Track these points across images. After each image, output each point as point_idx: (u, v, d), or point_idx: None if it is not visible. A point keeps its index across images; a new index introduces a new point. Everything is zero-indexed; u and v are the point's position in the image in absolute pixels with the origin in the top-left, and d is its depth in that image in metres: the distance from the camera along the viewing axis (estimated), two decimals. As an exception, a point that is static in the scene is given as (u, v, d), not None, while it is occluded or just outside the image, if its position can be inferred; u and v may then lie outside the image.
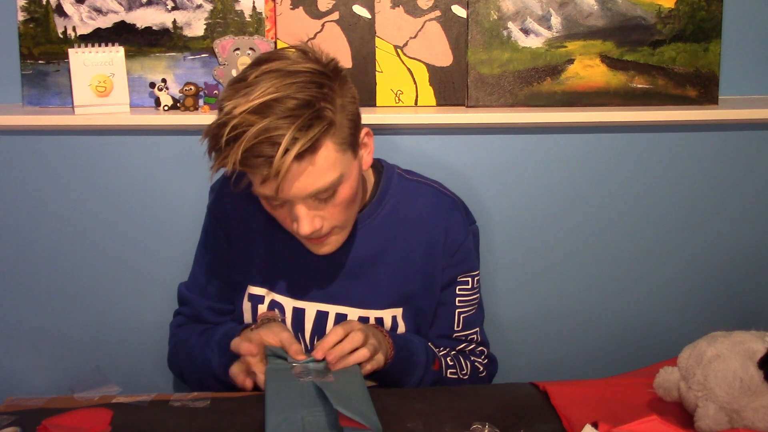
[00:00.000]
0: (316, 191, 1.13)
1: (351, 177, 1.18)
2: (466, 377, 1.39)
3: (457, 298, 1.40)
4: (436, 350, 1.38)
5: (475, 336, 1.43)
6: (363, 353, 1.17)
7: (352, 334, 1.18)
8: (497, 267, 1.70)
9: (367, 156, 1.26)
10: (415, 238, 1.35)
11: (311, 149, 1.09)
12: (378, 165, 1.39)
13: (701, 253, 1.76)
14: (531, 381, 1.24)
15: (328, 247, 1.25)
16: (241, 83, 1.11)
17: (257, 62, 1.14)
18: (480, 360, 1.43)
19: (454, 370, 1.37)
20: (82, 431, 1.07)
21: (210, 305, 1.41)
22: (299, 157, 1.08)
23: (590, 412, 1.09)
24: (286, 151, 1.06)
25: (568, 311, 1.77)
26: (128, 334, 1.72)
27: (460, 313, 1.40)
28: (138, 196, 1.66)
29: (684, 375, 1.07)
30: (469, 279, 1.40)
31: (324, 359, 1.16)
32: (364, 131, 1.23)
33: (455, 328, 1.41)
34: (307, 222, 1.16)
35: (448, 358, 1.38)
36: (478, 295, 1.43)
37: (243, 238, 1.36)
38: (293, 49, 1.17)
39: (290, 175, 1.10)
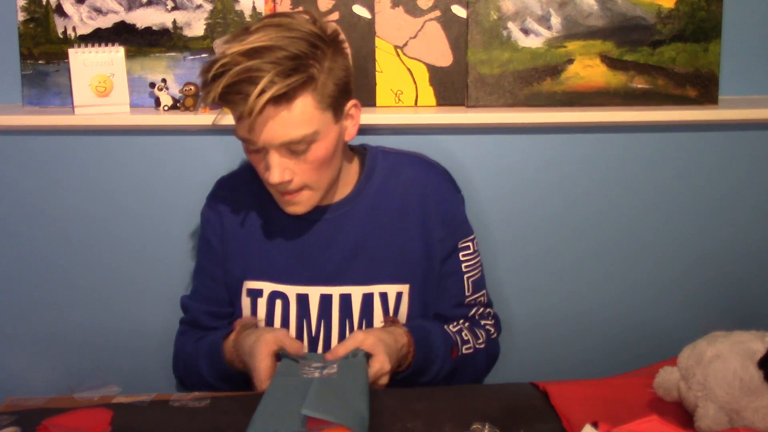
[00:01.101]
0: (289, 141, 1.18)
1: (328, 138, 1.22)
2: (482, 345, 1.41)
3: (462, 264, 1.42)
4: (452, 330, 1.39)
5: (483, 298, 1.47)
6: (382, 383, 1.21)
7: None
8: (496, 267, 1.70)
9: (351, 128, 1.29)
10: (407, 209, 1.38)
11: (287, 96, 1.15)
12: (361, 149, 1.42)
13: (701, 253, 1.76)
14: (531, 381, 1.24)
15: (299, 206, 1.27)
16: (242, 31, 1.20)
17: (264, 17, 1.24)
18: (490, 323, 1.47)
19: (470, 345, 1.39)
20: (82, 431, 1.07)
21: (207, 309, 1.42)
22: (275, 101, 1.14)
23: (590, 412, 1.09)
24: (263, 91, 1.12)
25: (567, 311, 1.77)
26: (128, 334, 1.72)
27: (468, 278, 1.43)
28: (138, 196, 1.66)
29: (684, 375, 1.07)
30: (470, 243, 1.43)
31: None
32: (351, 102, 1.27)
33: (467, 294, 1.43)
34: (277, 171, 1.20)
35: (463, 333, 1.39)
36: (479, 257, 1.46)
37: (238, 235, 1.38)
38: (303, 14, 1.23)
39: (263, 117, 1.15)
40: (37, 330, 1.71)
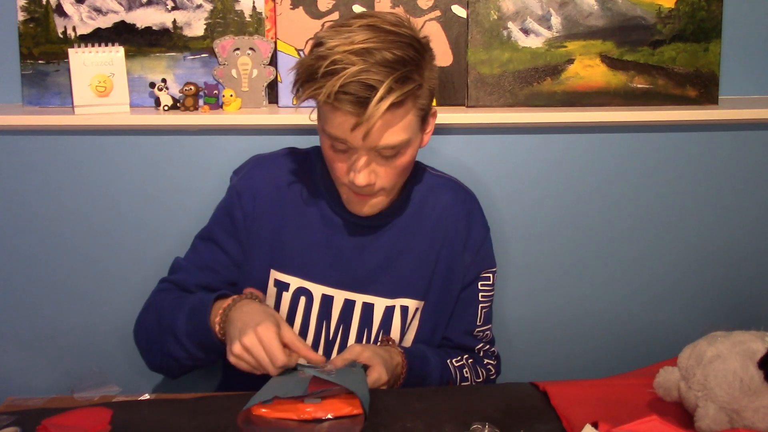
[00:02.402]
0: (386, 146, 1.18)
1: (413, 146, 1.24)
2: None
3: (480, 294, 1.43)
4: (455, 365, 1.39)
5: (489, 332, 1.47)
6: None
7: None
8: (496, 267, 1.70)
9: (426, 135, 1.29)
10: (439, 231, 1.38)
11: (398, 104, 1.15)
12: None
13: (701, 252, 1.76)
14: (531, 381, 1.24)
15: (370, 208, 1.28)
16: (343, 27, 1.16)
17: (361, 15, 1.21)
18: (492, 362, 1.46)
19: (468, 383, 1.39)
20: (82, 431, 1.07)
21: (204, 282, 1.36)
22: (389, 107, 1.13)
23: (590, 413, 1.09)
24: (382, 98, 1.11)
25: (567, 311, 1.77)
26: (128, 334, 1.71)
27: (482, 309, 1.43)
28: (138, 196, 1.66)
29: (684, 375, 1.07)
30: (490, 275, 1.44)
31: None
32: (433, 110, 1.28)
33: (477, 324, 1.43)
34: (365, 174, 1.20)
35: (464, 370, 1.40)
36: (494, 291, 1.46)
37: (269, 220, 1.36)
38: (394, 14, 1.22)
39: (376, 123, 1.14)
40: (37, 330, 1.71)
